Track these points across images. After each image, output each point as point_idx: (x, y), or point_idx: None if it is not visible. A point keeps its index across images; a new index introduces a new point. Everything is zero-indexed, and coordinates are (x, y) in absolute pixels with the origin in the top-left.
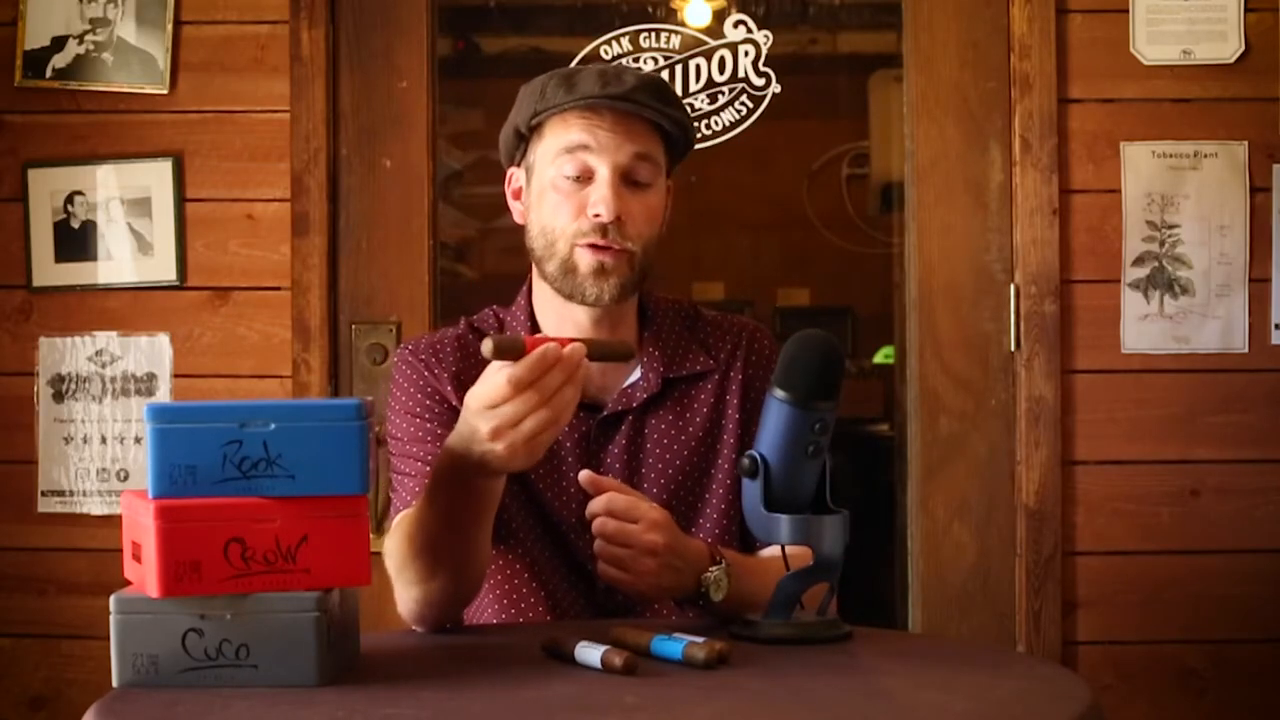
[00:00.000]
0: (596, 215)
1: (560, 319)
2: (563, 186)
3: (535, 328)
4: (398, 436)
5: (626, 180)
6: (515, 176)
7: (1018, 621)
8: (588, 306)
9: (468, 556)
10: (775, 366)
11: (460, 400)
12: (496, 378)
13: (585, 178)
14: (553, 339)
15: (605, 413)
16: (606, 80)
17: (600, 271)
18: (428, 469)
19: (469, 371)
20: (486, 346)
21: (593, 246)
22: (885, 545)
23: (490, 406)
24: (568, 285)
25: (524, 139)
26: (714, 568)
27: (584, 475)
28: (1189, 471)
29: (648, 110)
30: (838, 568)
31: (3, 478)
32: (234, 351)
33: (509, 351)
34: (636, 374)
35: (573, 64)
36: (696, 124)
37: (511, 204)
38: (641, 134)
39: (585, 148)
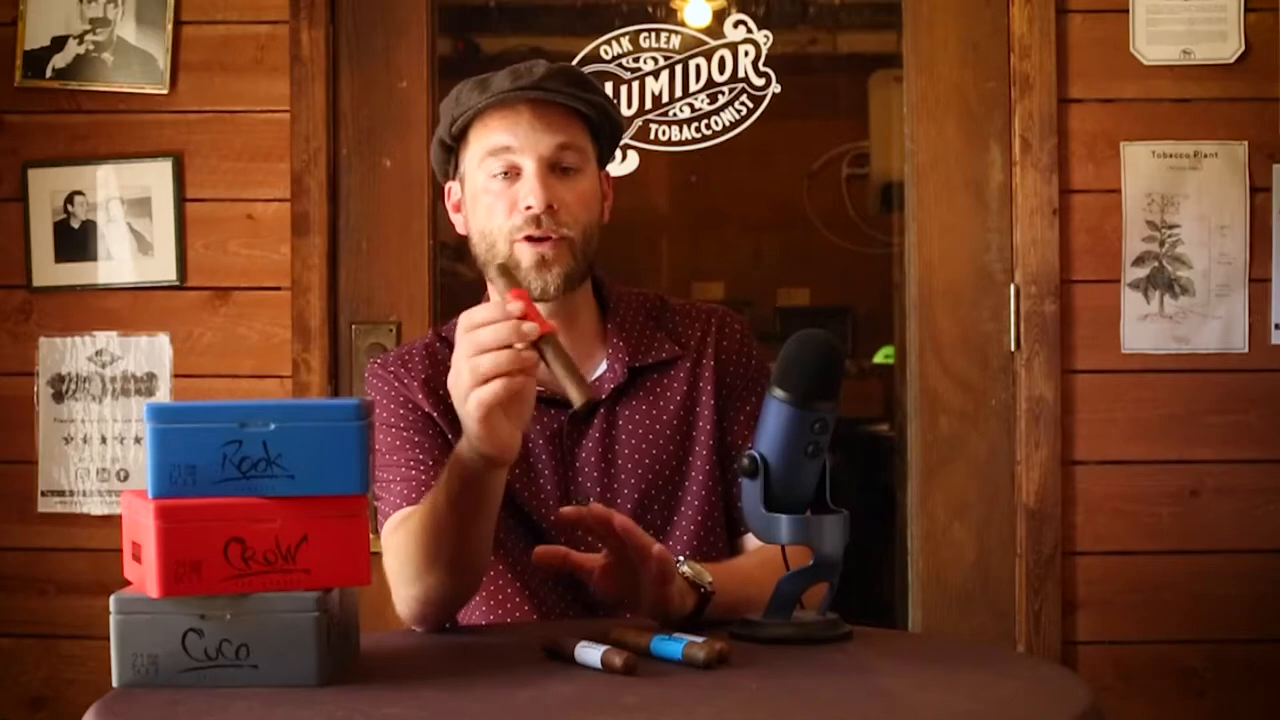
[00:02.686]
0: (528, 207)
1: None
2: (493, 188)
3: None
4: (377, 449)
5: (554, 169)
6: (452, 190)
7: (1018, 621)
8: (538, 302)
9: (470, 551)
10: (748, 348)
11: (432, 406)
12: (462, 316)
13: (513, 174)
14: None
15: (575, 408)
16: (518, 75)
17: (542, 263)
18: (411, 474)
19: (439, 378)
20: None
21: (530, 239)
22: (885, 545)
23: (467, 329)
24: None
25: (451, 150)
26: (678, 561)
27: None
28: (1189, 471)
29: (560, 96)
30: (838, 568)
31: (3, 478)
32: (234, 351)
33: (508, 274)
34: (603, 366)
35: (573, 63)
36: (697, 124)
37: (453, 217)
38: (561, 123)
39: (507, 148)
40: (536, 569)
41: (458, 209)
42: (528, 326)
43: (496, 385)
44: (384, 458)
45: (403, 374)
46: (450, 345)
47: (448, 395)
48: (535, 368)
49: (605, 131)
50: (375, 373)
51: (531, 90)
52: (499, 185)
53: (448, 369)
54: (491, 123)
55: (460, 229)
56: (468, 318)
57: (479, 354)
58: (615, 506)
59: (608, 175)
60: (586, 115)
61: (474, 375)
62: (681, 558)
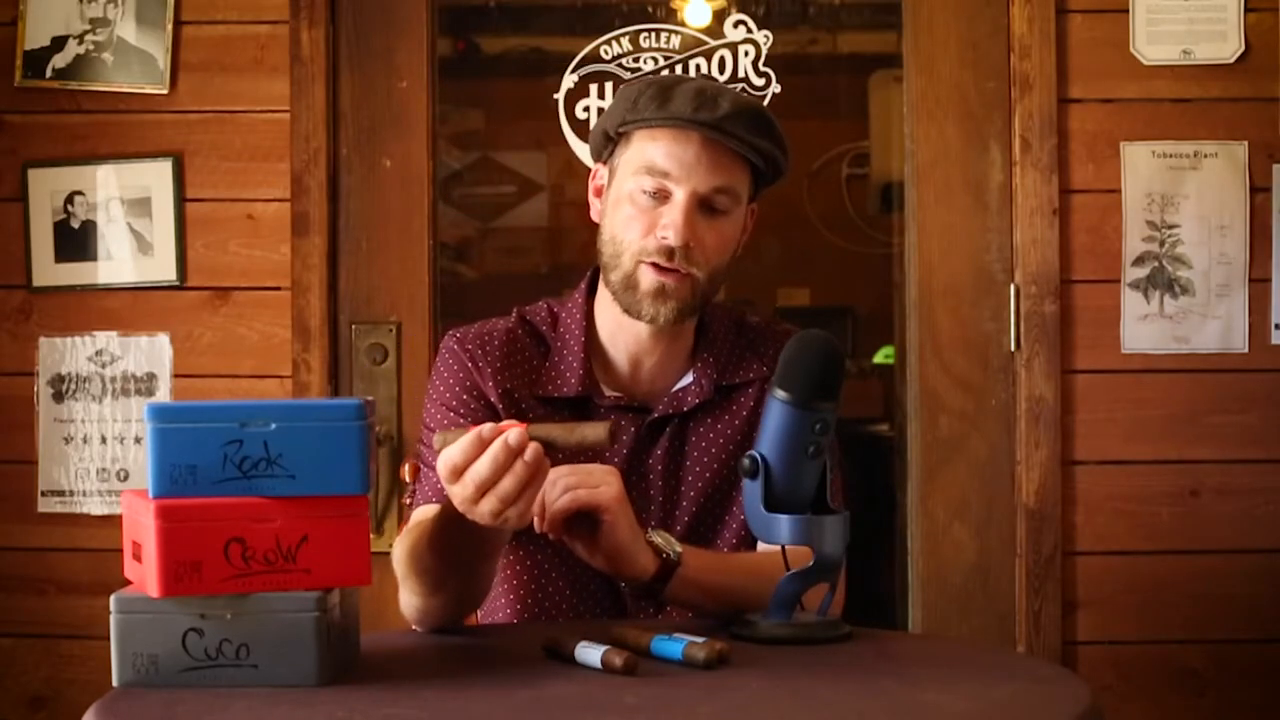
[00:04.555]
0: (664, 238)
1: (617, 325)
2: (639, 201)
3: (590, 327)
4: (430, 426)
5: (703, 206)
6: (599, 174)
7: (1018, 621)
8: (649, 324)
9: (470, 586)
10: None
11: (499, 398)
12: (440, 458)
13: (661, 197)
14: (512, 425)
15: (654, 415)
16: (702, 103)
17: (660, 293)
18: None
19: (514, 368)
20: (437, 440)
21: (656, 266)
22: (885, 545)
23: (453, 472)
24: (626, 299)
25: (612, 141)
26: (649, 531)
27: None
28: (1189, 471)
29: (734, 142)
30: (838, 568)
31: (3, 478)
32: (234, 351)
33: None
34: (689, 378)
35: (573, 63)
36: None
37: (591, 200)
38: (726, 165)
39: (665, 173)
40: (585, 565)
41: (598, 194)
42: (513, 436)
43: (525, 499)
44: (433, 438)
45: (479, 356)
46: (533, 333)
47: (516, 388)
48: (543, 469)
49: (768, 175)
50: (450, 347)
51: (709, 129)
52: (645, 202)
53: (524, 359)
54: (660, 140)
55: (595, 215)
56: (448, 460)
57: (489, 487)
58: (675, 514)
59: (754, 209)
60: (753, 160)
61: (501, 500)
62: (653, 527)
